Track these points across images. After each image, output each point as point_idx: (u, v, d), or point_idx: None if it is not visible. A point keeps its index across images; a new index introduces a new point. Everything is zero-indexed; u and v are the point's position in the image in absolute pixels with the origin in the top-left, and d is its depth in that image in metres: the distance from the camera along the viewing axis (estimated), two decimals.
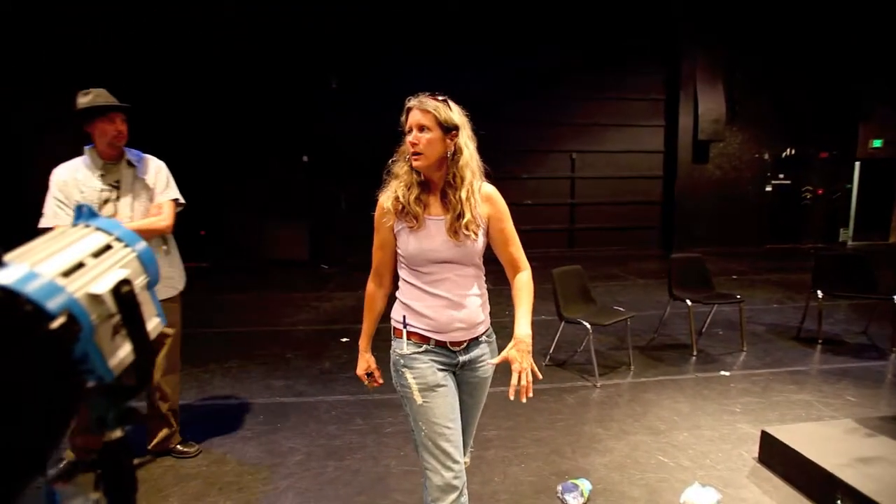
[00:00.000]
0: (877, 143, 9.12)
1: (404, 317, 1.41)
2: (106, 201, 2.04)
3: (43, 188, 2.04)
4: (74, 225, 0.58)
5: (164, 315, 2.08)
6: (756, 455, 2.34)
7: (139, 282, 0.59)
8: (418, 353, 1.41)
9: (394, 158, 1.46)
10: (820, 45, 8.66)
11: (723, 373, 3.40)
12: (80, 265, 0.52)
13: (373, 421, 2.77)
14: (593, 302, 3.70)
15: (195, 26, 7.08)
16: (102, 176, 2.04)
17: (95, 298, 0.52)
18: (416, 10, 7.60)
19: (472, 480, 1.79)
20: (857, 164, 9.33)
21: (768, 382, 3.22)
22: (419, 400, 1.39)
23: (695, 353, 3.76)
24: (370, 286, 1.52)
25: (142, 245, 0.62)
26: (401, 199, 1.36)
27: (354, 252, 7.93)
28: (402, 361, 1.41)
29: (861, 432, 2.21)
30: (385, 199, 1.40)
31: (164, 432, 2.34)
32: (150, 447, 2.36)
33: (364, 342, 1.55)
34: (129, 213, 2.08)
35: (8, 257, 0.49)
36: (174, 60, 7.18)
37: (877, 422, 2.31)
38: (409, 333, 1.41)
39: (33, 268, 0.48)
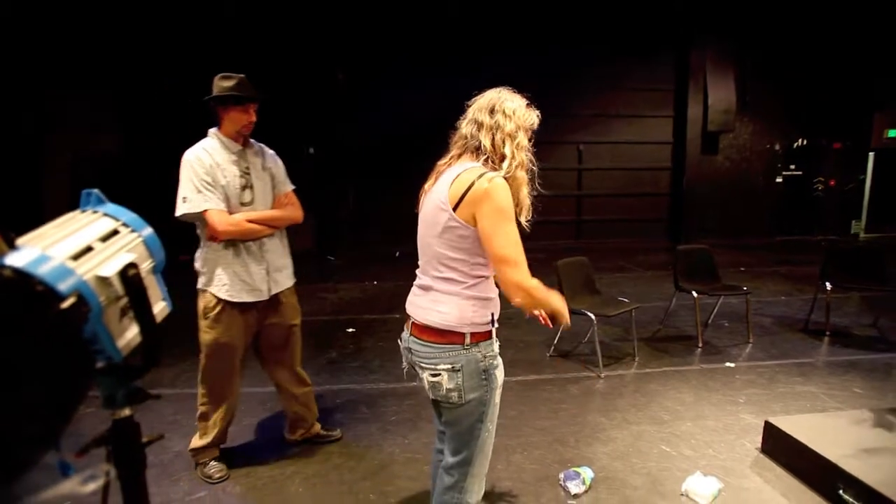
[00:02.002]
0: (892, 133, 8.93)
1: (493, 314, 1.33)
2: (244, 187, 2.02)
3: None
4: (83, 210, 0.61)
5: (292, 308, 2.22)
6: (759, 445, 2.34)
7: (145, 266, 0.62)
8: (497, 346, 1.37)
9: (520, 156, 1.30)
10: (833, 32, 8.46)
11: (728, 364, 3.39)
12: (88, 249, 0.54)
13: (378, 409, 2.81)
14: (598, 293, 3.70)
15: (201, 15, 7.09)
16: (235, 161, 2.01)
17: (103, 281, 0.54)
18: (423, 4, 7.54)
19: None
20: (871, 154, 9.15)
21: (774, 374, 3.21)
22: (497, 399, 1.36)
23: (700, 344, 3.75)
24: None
25: (148, 230, 0.64)
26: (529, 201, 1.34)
27: (361, 244, 7.99)
28: (493, 363, 1.33)
29: (866, 424, 2.21)
30: (513, 199, 1.27)
31: (309, 420, 2.38)
32: (296, 437, 2.38)
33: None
34: (263, 200, 2.07)
35: (20, 241, 0.51)
36: (180, 48, 7.20)
37: (883, 414, 2.30)
38: (496, 331, 1.35)
39: (45, 251, 0.50)
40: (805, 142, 9.04)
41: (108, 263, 0.55)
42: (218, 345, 2.04)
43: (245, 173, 2.03)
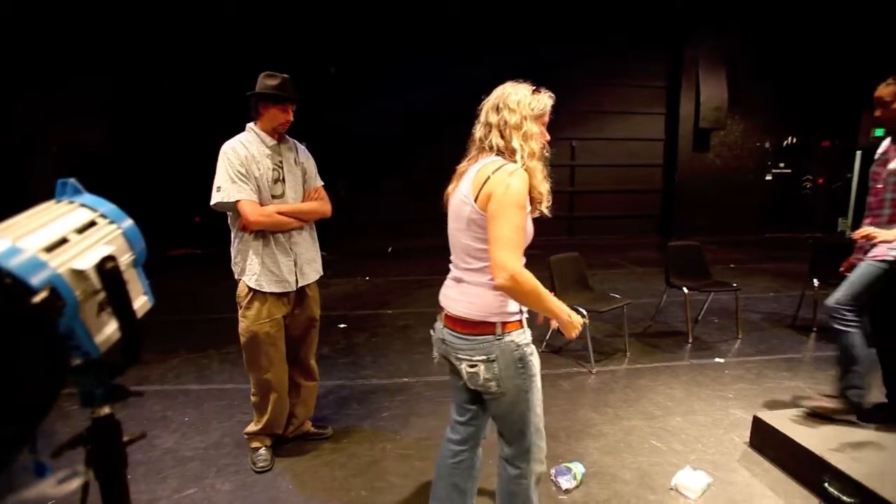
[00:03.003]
0: (879, 132, 9.05)
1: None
2: (276, 180, 2.08)
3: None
4: (58, 201, 0.58)
5: (315, 301, 2.31)
6: (747, 440, 2.37)
7: (125, 259, 0.59)
8: (529, 334, 1.40)
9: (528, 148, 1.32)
10: (824, 31, 8.54)
11: (717, 360, 3.43)
12: (63, 241, 0.52)
13: (369, 406, 2.80)
14: (590, 289, 3.71)
15: (193, 8, 6.96)
16: (269, 155, 2.07)
17: (79, 274, 0.51)
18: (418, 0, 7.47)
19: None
20: (859, 153, 9.28)
21: (762, 369, 3.25)
22: (539, 384, 1.41)
23: (690, 340, 3.79)
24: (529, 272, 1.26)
25: (128, 222, 0.62)
26: (547, 188, 1.35)
27: (353, 239, 7.93)
28: (528, 350, 1.36)
29: (850, 418, 2.24)
30: (528, 187, 1.29)
31: (300, 417, 2.37)
32: (286, 434, 2.34)
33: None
34: (293, 194, 2.13)
35: None
36: (170, 42, 7.07)
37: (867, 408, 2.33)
38: (526, 320, 1.39)
39: (15, 243, 0.48)
40: (794, 140, 9.14)
41: (84, 256, 0.53)
42: (250, 333, 2.10)
43: (278, 167, 2.09)
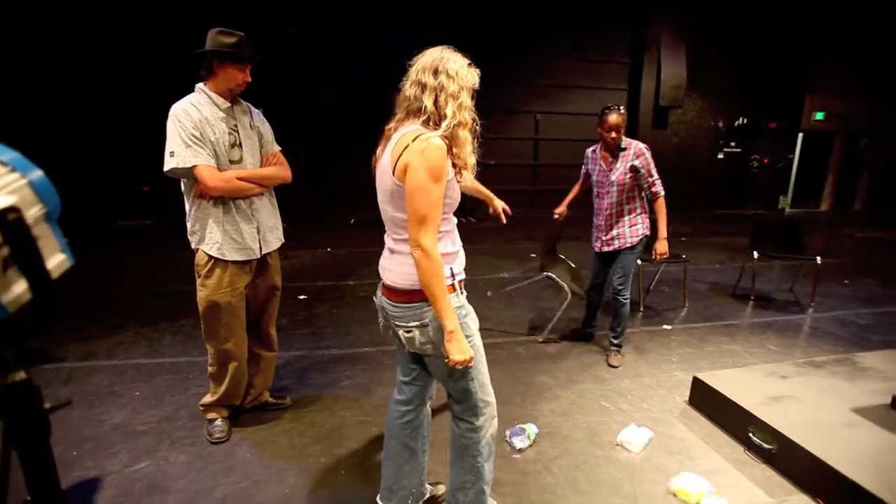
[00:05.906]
0: (819, 116, 9.62)
1: (451, 269, 1.37)
2: (233, 145, 1.97)
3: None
4: None
5: (276, 270, 2.27)
6: (687, 398, 2.56)
7: (33, 212, 0.54)
8: (464, 297, 1.43)
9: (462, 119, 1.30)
10: (776, 15, 8.84)
11: (665, 326, 3.64)
12: None
13: (329, 376, 2.79)
14: (563, 261, 3.81)
15: None
16: (224, 118, 1.95)
17: None
18: None
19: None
20: (801, 135, 9.85)
21: (704, 335, 3.48)
22: (478, 341, 1.44)
23: (641, 308, 3.99)
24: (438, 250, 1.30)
25: (36, 173, 0.56)
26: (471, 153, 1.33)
27: (314, 210, 7.71)
28: (461, 313, 1.38)
29: (776, 376, 2.46)
30: (445, 157, 1.27)
31: (258, 388, 2.34)
32: (244, 405, 2.30)
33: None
34: (252, 159, 2.02)
35: None
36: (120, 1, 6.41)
37: (790, 367, 2.57)
38: (459, 283, 1.41)
39: None
40: (745, 120, 9.57)
41: None
42: (210, 302, 2.03)
43: (233, 130, 1.99)
